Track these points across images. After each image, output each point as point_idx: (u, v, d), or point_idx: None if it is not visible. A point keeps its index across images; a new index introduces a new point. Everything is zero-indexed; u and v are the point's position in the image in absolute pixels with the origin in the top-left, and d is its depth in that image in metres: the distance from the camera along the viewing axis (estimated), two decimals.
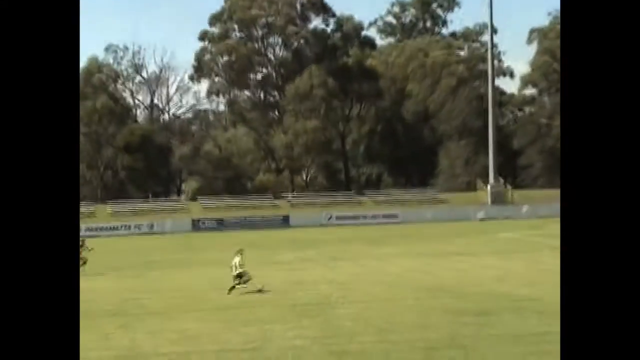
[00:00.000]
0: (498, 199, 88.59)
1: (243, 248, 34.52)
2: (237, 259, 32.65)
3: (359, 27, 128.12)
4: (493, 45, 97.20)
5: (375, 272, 39.16)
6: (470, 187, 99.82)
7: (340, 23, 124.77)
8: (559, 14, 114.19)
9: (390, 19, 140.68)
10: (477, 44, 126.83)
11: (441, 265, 41.90)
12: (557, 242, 53.78)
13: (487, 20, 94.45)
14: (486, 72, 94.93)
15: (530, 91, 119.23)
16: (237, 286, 31.97)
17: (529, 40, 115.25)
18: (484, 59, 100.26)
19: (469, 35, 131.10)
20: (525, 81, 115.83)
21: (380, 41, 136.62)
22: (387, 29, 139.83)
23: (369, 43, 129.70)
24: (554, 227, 67.66)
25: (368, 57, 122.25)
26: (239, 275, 32.22)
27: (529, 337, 22.82)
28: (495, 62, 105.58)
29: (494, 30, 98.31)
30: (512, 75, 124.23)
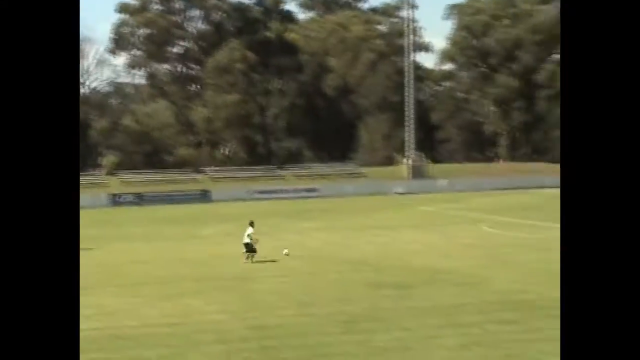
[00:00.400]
0: (417, 173, 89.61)
1: (253, 220, 35.83)
2: (249, 230, 34.43)
3: (279, 1, 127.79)
4: (412, 21, 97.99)
5: (295, 245, 39.40)
6: (390, 161, 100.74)
7: None
8: None
9: None
10: (396, 19, 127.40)
11: (361, 239, 42.33)
12: (475, 215, 54.64)
13: None
14: (405, 47, 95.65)
15: (448, 66, 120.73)
16: (246, 254, 33.96)
17: (447, 16, 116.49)
18: (403, 34, 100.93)
19: (389, 11, 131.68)
20: (444, 56, 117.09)
21: (301, 15, 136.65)
22: (307, 3, 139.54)
23: (290, 17, 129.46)
24: (472, 201, 68.84)
25: (289, 31, 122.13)
26: (248, 245, 34.08)
27: (446, 308, 23.31)
28: (414, 37, 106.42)
29: (413, 6, 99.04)
30: (430, 50, 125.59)
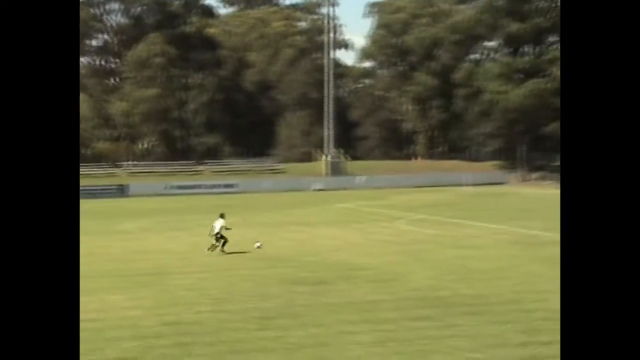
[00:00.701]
0: (335, 169, 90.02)
1: (224, 212, 36.90)
2: (221, 221, 35.58)
3: None
4: (332, 18, 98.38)
5: (212, 242, 39.30)
6: (309, 157, 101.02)
7: None
8: None
9: None
10: (317, 16, 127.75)
11: (279, 235, 42.42)
12: (392, 212, 55.03)
13: None
14: (325, 44, 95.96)
15: (367, 64, 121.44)
16: (213, 248, 35.07)
17: (367, 14, 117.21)
18: (323, 31, 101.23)
19: (309, 7, 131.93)
20: (363, 54, 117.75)
21: (222, 10, 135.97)
22: None
23: (210, 12, 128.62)
24: (390, 198, 69.48)
25: (209, 25, 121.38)
26: (220, 237, 35.21)
27: (362, 304, 23.54)
28: (335, 34, 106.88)
29: (333, 3, 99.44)
30: (350, 47, 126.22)
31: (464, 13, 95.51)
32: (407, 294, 25.24)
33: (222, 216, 36.23)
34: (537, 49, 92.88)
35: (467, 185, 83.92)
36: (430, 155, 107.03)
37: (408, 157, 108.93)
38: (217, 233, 35.43)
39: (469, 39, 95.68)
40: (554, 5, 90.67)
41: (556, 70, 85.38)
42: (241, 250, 35.85)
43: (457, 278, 27.96)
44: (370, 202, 65.24)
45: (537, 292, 25.24)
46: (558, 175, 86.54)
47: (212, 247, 35.23)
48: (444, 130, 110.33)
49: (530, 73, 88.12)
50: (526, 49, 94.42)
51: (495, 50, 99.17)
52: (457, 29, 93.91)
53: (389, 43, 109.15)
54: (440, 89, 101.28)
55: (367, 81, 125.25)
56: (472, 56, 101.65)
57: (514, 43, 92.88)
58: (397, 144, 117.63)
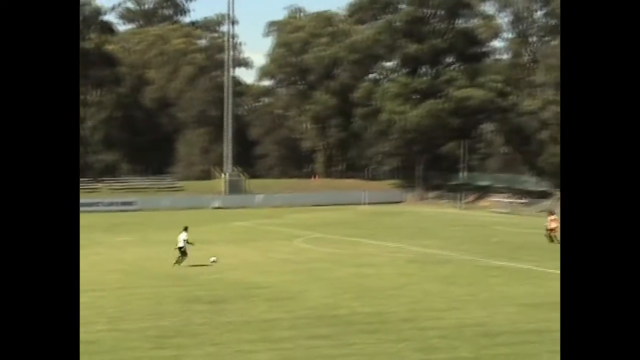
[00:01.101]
0: (234, 187, 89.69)
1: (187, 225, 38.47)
2: (184, 235, 36.79)
3: (98, 12, 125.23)
4: (232, 36, 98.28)
5: (110, 260, 38.77)
6: (208, 175, 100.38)
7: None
8: (295, 8, 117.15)
9: (131, 5, 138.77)
10: (216, 34, 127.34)
11: (176, 254, 42.04)
12: (290, 231, 55.01)
13: (226, 10, 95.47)
14: (225, 62, 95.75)
15: (267, 82, 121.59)
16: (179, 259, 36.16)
17: (267, 33, 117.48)
18: (223, 49, 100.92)
19: (209, 25, 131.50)
20: (263, 73, 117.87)
21: (121, 27, 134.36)
22: (127, 15, 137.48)
23: (109, 28, 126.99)
24: (288, 216, 69.61)
25: (108, 42, 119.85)
26: (182, 250, 36.40)
27: (260, 323, 23.56)
28: (234, 52, 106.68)
29: (233, 21, 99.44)
30: (250, 66, 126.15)
31: (363, 33, 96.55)
32: (305, 312, 25.35)
33: (185, 229, 37.34)
34: (434, 70, 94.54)
35: (365, 204, 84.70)
36: (329, 173, 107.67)
37: (307, 175, 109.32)
38: (182, 247, 36.46)
39: (367, 58, 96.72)
40: (450, 27, 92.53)
41: (452, 91, 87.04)
42: (136, 270, 35.44)
43: (355, 296, 28.21)
44: (269, 221, 65.26)
45: (433, 310, 25.67)
46: (454, 195, 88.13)
47: (179, 260, 36.22)
48: (343, 149, 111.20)
49: (427, 93, 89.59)
50: (424, 69, 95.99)
51: (394, 70, 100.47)
52: (356, 49, 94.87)
53: (288, 62, 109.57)
54: (339, 108, 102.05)
55: (266, 100, 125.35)
56: (370, 76, 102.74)
57: (411, 63, 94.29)
58: (296, 163, 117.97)
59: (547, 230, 47.75)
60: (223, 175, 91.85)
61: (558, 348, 20.49)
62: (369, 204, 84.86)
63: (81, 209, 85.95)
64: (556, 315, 24.88)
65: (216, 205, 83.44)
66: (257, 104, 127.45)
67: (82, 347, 20.47)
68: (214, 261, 36.84)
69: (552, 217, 48.30)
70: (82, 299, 27.43)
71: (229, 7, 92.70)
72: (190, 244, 36.87)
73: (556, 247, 46.26)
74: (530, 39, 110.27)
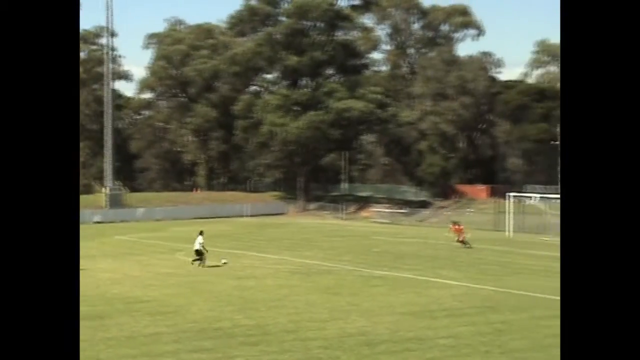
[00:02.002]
0: (115, 201, 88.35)
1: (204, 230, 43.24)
2: (200, 239, 41.11)
3: None
4: (112, 49, 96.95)
5: None
6: (88, 189, 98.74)
7: None
8: (175, 20, 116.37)
9: None
10: (95, 47, 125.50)
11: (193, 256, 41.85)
12: (172, 244, 54.41)
13: (105, 23, 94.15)
14: (104, 75, 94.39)
15: (147, 95, 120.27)
16: (194, 261, 40.83)
17: (147, 45, 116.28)
18: (102, 62, 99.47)
19: (87, 37, 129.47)
20: (143, 85, 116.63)
21: None
22: None
23: None
24: (170, 230, 69.00)
25: None
26: (198, 252, 40.90)
27: (142, 338, 23.32)
28: (114, 65, 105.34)
29: (112, 34, 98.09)
30: (130, 79, 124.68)
31: (243, 45, 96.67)
32: (187, 325, 25.22)
33: (201, 233, 41.89)
34: (315, 82, 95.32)
35: (247, 216, 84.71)
36: (211, 186, 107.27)
37: (189, 188, 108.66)
38: (197, 250, 40.95)
39: (248, 71, 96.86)
40: (330, 39, 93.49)
41: (332, 103, 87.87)
42: None
43: (237, 309, 28.21)
44: (150, 234, 64.55)
45: (315, 321, 25.90)
46: (336, 206, 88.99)
47: (196, 262, 40.78)
48: (225, 162, 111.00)
49: (308, 105, 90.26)
50: (304, 81, 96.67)
51: (274, 82, 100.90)
52: (236, 61, 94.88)
53: (168, 74, 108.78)
54: (220, 120, 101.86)
55: (147, 112, 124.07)
56: (251, 88, 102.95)
57: (292, 76, 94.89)
58: (177, 176, 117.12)
59: (458, 240, 52.00)
60: (103, 189, 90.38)
61: (436, 355, 21.08)
62: (251, 216, 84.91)
63: None
64: (436, 323, 25.50)
65: (97, 219, 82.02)
66: (137, 117, 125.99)
67: None
68: (225, 262, 40.99)
69: (457, 226, 52.84)
70: None
71: (107, 19, 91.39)
72: (206, 250, 41.03)
73: (435, 255, 47.32)
74: (408, 51, 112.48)
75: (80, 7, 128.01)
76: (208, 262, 40.74)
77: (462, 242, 52.65)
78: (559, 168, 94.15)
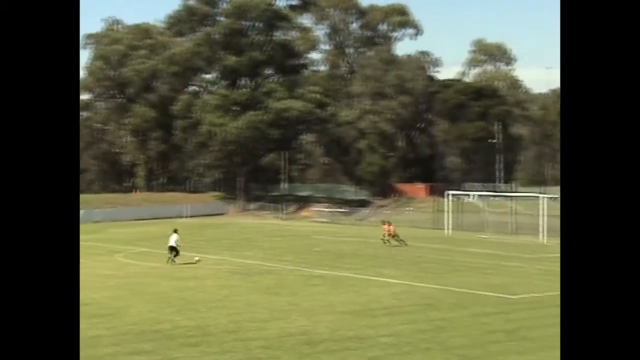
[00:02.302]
0: None
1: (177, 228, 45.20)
2: (175, 236, 42.70)
3: None
4: None
5: None
6: None
7: None
8: (112, 20, 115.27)
9: None
10: None
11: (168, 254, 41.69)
12: (111, 246, 53.95)
13: None
14: None
15: (85, 96, 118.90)
16: (170, 258, 42.23)
17: (84, 46, 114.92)
18: None
19: None
20: (80, 86, 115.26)
21: None
22: None
23: None
24: (109, 232, 68.36)
25: None
26: (173, 249, 42.37)
27: (81, 341, 23.06)
28: None
29: None
30: None
31: (182, 45, 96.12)
32: (127, 328, 25.03)
33: (175, 231, 43.40)
34: (254, 82, 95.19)
35: (186, 216, 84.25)
36: (150, 187, 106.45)
37: (128, 189, 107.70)
38: (171, 246, 42.44)
39: (187, 71, 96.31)
40: (269, 39, 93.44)
41: (272, 103, 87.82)
42: None
43: (177, 310, 28.07)
44: (89, 236, 63.80)
45: (256, 321, 25.88)
46: (276, 205, 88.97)
47: (169, 260, 42.08)
48: (164, 162, 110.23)
49: (247, 105, 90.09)
50: (243, 81, 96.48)
51: (213, 82, 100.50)
52: (175, 61, 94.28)
53: (106, 75, 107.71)
54: (159, 121, 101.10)
55: (85, 114, 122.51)
56: (190, 88, 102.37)
57: (231, 76, 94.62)
58: (116, 177, 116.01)
59: (392, 236, 52.40)
60: None
61: (377, 354, 21.21)
62: (191, 216, 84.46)
63: None
64: (377, 321, 25.65)
65: None
66: None
67: None
68: (197, 260, 42.37)
69: (387, 226, 53.35)
70: None
71: None
72: (179, 246, 42.66)
73: (375, 253, 47.59)
74: (346, 51, 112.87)
75: None
76: (173, 261, 42.21)
77: (395, 239, 52.91)
78: (496, 166, 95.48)
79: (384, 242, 52.93)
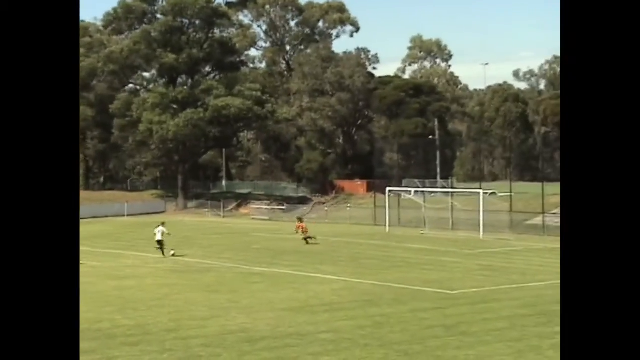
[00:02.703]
0: None
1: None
2: (161, 228, 45.10)
3: None
4: None
5: None
6: None
7: None
8: None
9: None
10: None
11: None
12: None
13: None
14: None
15: None
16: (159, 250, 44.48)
17: None
18: None
19: None
20: None
21: None
22: None
23: None
24: None
25: None
26: (160, 242, 44.50)
27: None
28: None
29: None
30: None
31: (120, 44, 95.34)
32: None
33: (163, 224, 45.88)
34: (193, 80, 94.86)
35: (126, 215, 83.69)
36: (89, 186, 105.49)
37: None
38: (159, 240, 44.29)
39: (125, 69, 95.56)
40: (207, 36, 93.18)
41: (211, 100, 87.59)
42: None
43: (117, 309, 27.96)
44: None
45: (196, 319, 25.91)
46: (215, 203, 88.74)
47: (160, 252, 44.12)
48: (103, 161, 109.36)
49: (186, 103, 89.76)
50: (182, 79, 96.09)
51: (152, 80, 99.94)
52: (113, 60, 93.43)
53: None
54: (97, 119, 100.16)
55: None
56: (129, 87, 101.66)
57: (170, 74, 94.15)
58: None
59: (302, 232, 52.13)
60: None
61: (317, 350, 21.38)
62: (130, 215, 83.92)
63: None
64: (316, 318, 25.86)
65: None
66: None
67: None
68: (173, 254, 44.18)
69: (300, 224, 53.13)
70: None
71: None
72: (169, 234, 45.71)
73: (314, 250, 47.84)
74: (285, 48, 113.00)
75: None
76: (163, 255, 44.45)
77: (306, 238, 52.61)
78: (436, 162, 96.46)
79: (307, 241, 52.38)
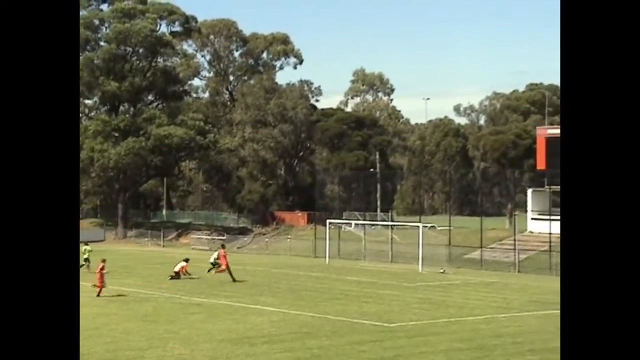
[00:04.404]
0: None
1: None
2: (216, 253, 50.84)
3: None
4: None
5: None
6: None
7: None
8: None
9: None
10: None
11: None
12: None
13: None
14: None
15: None
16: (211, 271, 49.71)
17: None
18: None
19: None
20: None
21: None
22: None
23: None
24: None
25: None
26: (214, 264, 49.84)
27: None
28: None
29: None
30: None
31: None
32: None
33: (222, 246, 52.37)
34: (135, 108, 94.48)
35: None
36: None
37: None
38: (213, 262, 50.10)
39: None
40: (151, 65, 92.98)
41: (153, 129, 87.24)
42: None
43: None
44: None
45: (133, 349, 25.71)
46: (155, 232, 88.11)
47: (213, 270, 49.82)
48: None
49: (128, 131, 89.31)
50: (124, 107, 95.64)
51: (94, 108, 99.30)
52: None
53: None
54: None
55: None
56: None
57: (112, 101, 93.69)
58: None
59: (223, 265, 48.51)
60: None
61: None
62: None
63: None
64: (255, 349, 25.83)
65: None
66: None
67: None
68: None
69: (222, 251, 50.80)
70: None
71: None
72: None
73: (253, 281, 47.78)
74: (228, 78, 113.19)
75: None
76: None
77: (223, 270, 48.95)
78: (377, 195, 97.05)
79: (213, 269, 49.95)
